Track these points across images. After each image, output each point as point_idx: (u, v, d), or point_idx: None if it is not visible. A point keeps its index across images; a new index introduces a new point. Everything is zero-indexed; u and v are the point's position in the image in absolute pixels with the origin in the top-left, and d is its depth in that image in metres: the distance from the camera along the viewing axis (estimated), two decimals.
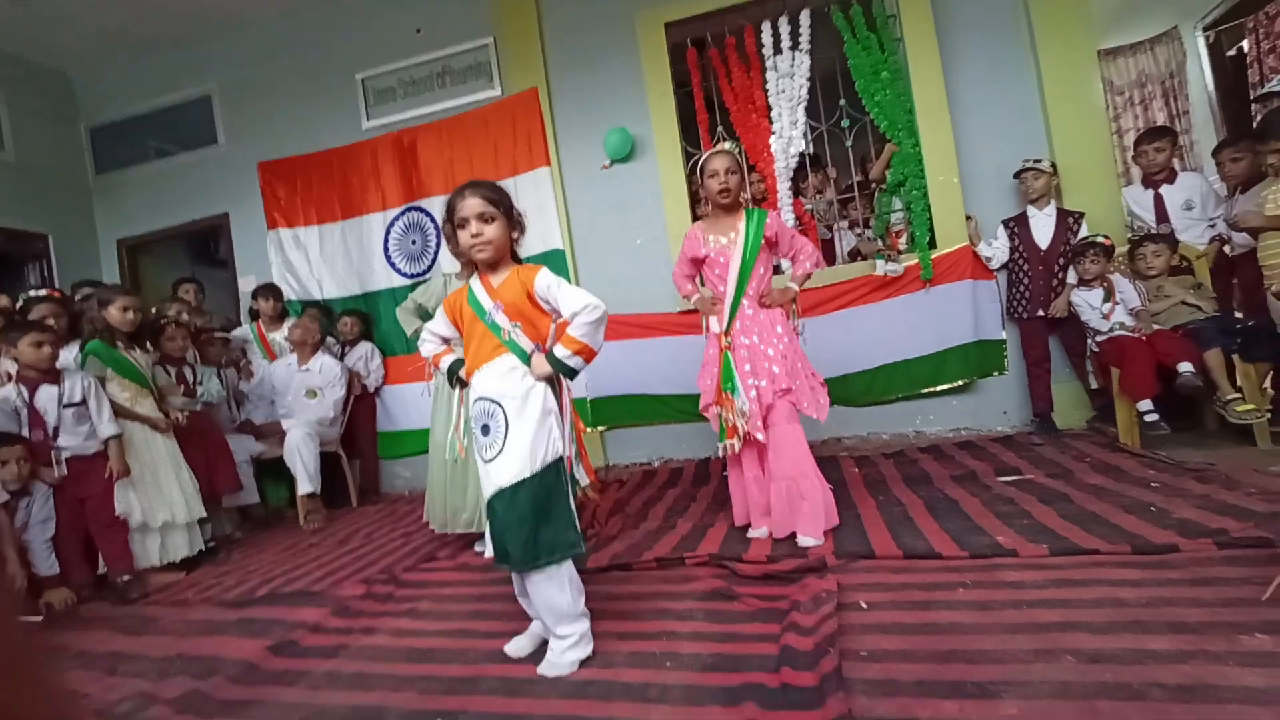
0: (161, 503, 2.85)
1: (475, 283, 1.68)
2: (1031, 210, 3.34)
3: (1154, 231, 3.16)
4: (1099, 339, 3.09)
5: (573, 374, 1.62)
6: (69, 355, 2.87)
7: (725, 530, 2.42)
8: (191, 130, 4.87)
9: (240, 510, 3.62)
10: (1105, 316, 3.03)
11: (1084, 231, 3.24)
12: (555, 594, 1.56)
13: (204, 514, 3.01)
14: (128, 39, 4.65)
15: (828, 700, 1.27)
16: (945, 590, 1.74)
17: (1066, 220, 3.28)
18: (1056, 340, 3.45)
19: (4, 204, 4.43)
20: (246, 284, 4.67)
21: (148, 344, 3.12)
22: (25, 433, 2.58)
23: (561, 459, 1.59)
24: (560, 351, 1.58)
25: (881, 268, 3.45)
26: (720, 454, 2.32)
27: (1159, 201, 3.27)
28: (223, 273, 5.04)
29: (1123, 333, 2.97)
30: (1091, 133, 3.41)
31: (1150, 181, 3.32)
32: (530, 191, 3.98)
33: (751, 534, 2.33)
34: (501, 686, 1.53)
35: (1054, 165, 3.33)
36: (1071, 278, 3.22)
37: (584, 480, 1.64)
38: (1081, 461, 2.79)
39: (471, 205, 1.60)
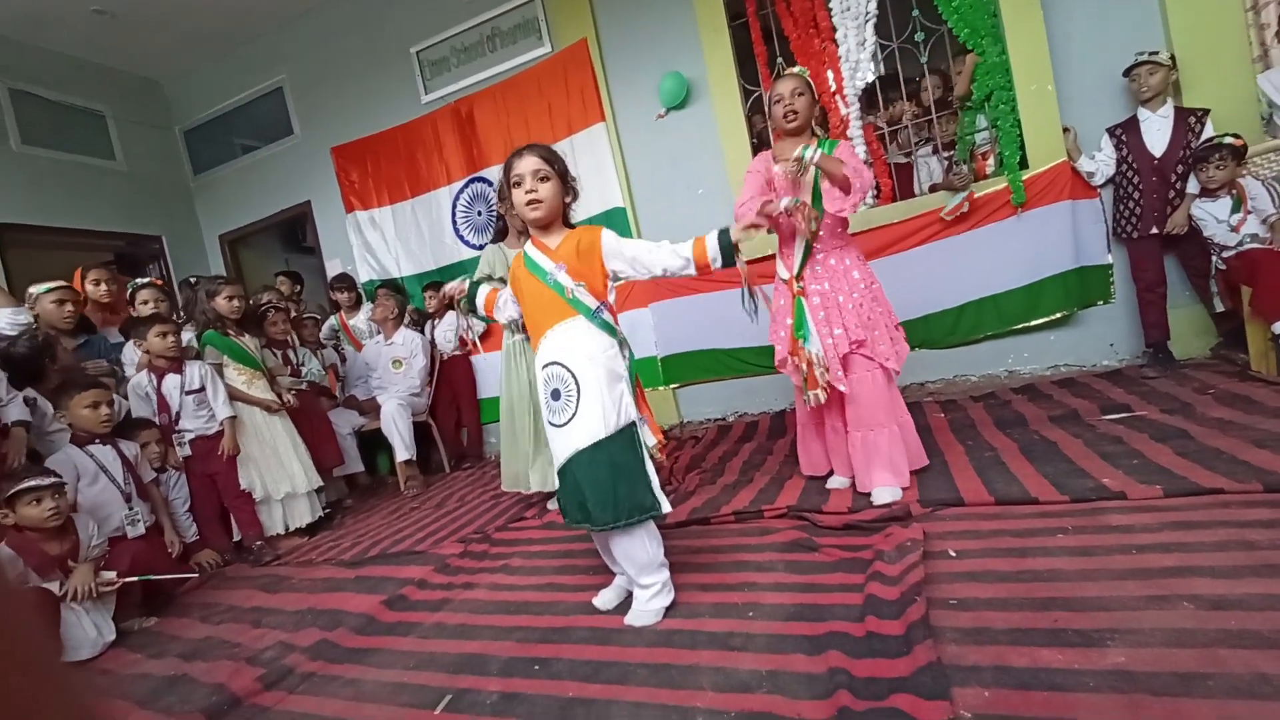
0: (283, 476, 3.14)
1: (530, 248, 1.69)
2: (1143, 113, 2.94)
3: None
4: (1226, 255, 2.74)
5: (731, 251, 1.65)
6: (186, 337, 3.17)
7: (803, 482, 2.39)
8: (269, 123, 5.14)
9: (347, 479, 3.95)
10: (1234, 229, 2.67)
11: (1209, 130, 2.83)
12: (636, 548, 1.61)
13: (320, 484, 3.31)
14: (204, 41, 4.91)
15: (915, 648, 1.25)
16: (1043, 536, 1.65)
17: (1186, 120, 2.87)
18: (1173, 260, 3.09)
19: (122, 210, 4.90)
20: (333, 268, 4.96)
21: (254, 330, 3.41)
22: (153, 415, 2.92)
23: (634, 423, 1.61)
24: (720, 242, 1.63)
25: (948, 205, 3.19)
26: (809, 403, 2.21)
27: None
28: (312, 259, 5.37)
29: (1255, 245, 2.61)
30: (1220, 13, 2.93)
31: None
32: (587, 150, 3.94)
33: (831, 484, 2.29)
34: (592, 636, 1.62)
35: (1173, 58, 2.91)
36: (1192, 187, 2.84)
37: (651, 441, 1.66)
38: (1204, 394, 2.52)
39: (527, 163, 1.62)
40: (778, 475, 2.57)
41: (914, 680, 1.17)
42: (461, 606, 1.97)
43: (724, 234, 1.62)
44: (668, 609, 1.64)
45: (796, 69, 2.20)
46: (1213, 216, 2.74)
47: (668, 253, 1.65)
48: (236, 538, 3.07)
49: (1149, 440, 2.15)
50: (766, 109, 2.24)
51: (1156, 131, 2.92)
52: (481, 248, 4.39)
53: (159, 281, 3.47)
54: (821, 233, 2.14)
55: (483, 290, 1.90)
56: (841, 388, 2.13)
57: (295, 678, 1.71)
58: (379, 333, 4.21)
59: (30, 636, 0.24)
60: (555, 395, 1.62)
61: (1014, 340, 3.36)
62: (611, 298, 1.67)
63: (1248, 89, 2.91)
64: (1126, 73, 2.95)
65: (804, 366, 2.15)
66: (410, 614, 1.99)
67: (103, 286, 3.31)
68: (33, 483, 2.14)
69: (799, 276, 2.17)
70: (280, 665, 1.76)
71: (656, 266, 1.65)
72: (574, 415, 1.58)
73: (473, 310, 1.94)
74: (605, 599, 1.76)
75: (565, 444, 1.61)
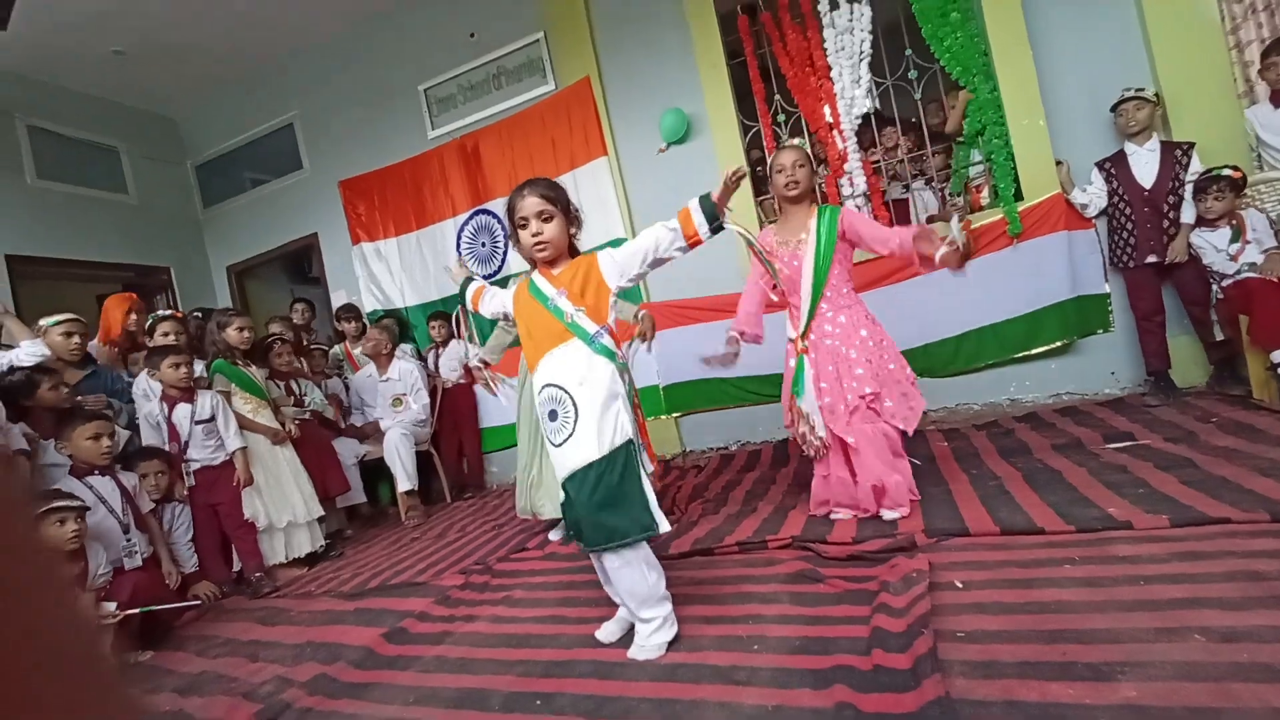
0: (285, 505, 3.14)
1: (536, 275, 1.74)
2: (1130, 146, 3.01)
3: None
4: (1225, 283, 2.77)
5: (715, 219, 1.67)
6: (199, 368, 3.20)
7: (807, 513, 2.38)
8: (279, 158, 5.26)
9: (348, 509, 3.93)
10: (1233, 258, 2.70)
11: (1195, 163, 2.89)
12: (635, 578, 1.59)
13: (322, 513, 3.29)
14: (218, 79, 5.07)
15: (923, 682, 1.23)
16: (1049, 567, 1.64)
17: (1173, 153, 2.94)
18: (1170, 289, 3.12)
19: (133, 242, 4.97)
20: (338, 299, 5.01)
21: (260, 361, 3.44)
22: (164, 444, 2.93)
23: (631, 442, 1.60)
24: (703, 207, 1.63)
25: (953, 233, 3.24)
26: (807, 453, 2.28)
27: None
28: (318, 290, 5.43)
29: (1251, 274, 2.65)
30: (1204, 51, 3.03)
31: None
32: (590, 184, 4.02)
33: (835, 515, 2.28)
34: (594, 670, 1.59)
35: (1157, 95, 2.99)
36: (1187, 216, 2.89)
37: (649, 468, 1.66)
38: (1207, 422, 2.52)
39: (530, 205, 1.64)
40: (781, 505, 2.56)
41: (922, 716, 1.15)
42: (463, 640, 1.95)
43: (705, 198, 1.60)
44: (670, 643, 1.62)
45: (797, 141, 2.29)
46: (1211, 245, 2.79)
47: (658, 226, 1.65)
48: (236, 568, 3.04)
49: (1154, 469, 2.14)
50: (769, 176, 2.32)
51: (1144, 165, 2.98)
52: (486, 279, 4.44)
53: (180, 314, 3.52)
54: (827, 292, 2.19)
55: (472, 285, 1.98)
56: (850, 439, 2.15)
57: (293, 713, 1.68)
58: (371, 362, 4.22)
59: (85, 637, 0.25)
60: (553, 416, 1.63)
61: (1015, 369, 3.37)
62: (612, 320, 1.68)
63: (1234, 123, 2.99)
64: (1114, 108, 3.03)
65: (797, 423, 2.21)
66: (410, 647, 1.96)
67: (133, 316, 3.39)
68: (61, 503, 2.17)
69: (804, 335, 2.21)
70: (278, 700, 1.73)
71: (650, 243, 1.66)
72: (570, 436, 1.59)
73: (462, 300, 1.99)
74: (608, 632, 1.74)
75: (562, 464, 1.62)
